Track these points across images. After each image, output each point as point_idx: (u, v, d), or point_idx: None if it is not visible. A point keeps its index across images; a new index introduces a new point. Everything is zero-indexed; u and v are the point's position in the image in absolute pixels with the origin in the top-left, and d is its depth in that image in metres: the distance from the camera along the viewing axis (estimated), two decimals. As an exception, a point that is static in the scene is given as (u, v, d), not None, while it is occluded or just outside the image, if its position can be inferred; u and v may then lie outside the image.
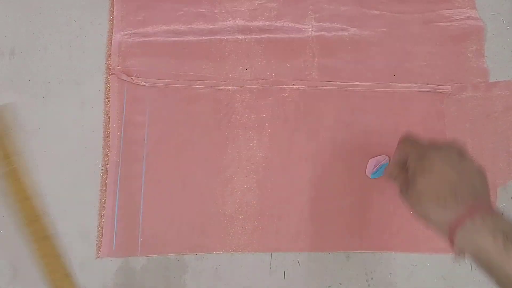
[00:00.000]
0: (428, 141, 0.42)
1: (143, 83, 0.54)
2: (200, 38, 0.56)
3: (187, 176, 0.53)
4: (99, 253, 0.52)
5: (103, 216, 0.52)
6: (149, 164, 0.53)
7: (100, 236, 0.52)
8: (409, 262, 0.53)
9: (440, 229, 0.37)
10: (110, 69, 0.55)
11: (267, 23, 0.57)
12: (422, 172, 0.38)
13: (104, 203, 0.52)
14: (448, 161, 0.38)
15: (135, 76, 0.54)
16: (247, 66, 0.56)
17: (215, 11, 0.57)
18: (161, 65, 0.55)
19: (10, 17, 0.56)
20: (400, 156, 0.43)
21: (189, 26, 0.56)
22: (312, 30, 0.57)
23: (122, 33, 0.56)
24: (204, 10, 0.57)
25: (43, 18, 0.56)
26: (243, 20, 0.57)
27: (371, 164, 0.54)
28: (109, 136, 0.53)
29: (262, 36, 0.56)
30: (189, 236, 0.52)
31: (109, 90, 0.54)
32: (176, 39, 0.56)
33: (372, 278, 0.53)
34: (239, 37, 0.56)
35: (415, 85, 0.56)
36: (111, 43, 0.56)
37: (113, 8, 0.56)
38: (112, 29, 0.56)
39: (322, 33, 0.57)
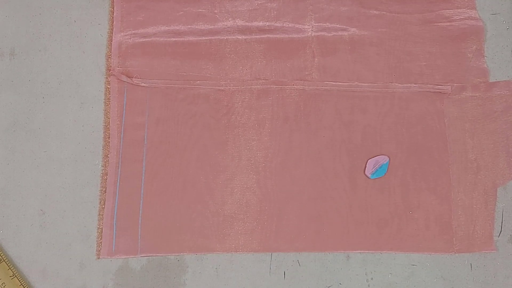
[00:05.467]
0: None
1: (143, 84, 0.54)
2: (200, 38, 0.56)
3: (187, 177, 0.53)
4: (99, 254, 0.51)
5: (103, 217, 0.52)
6: (148, 164, 0.53)
7: (100, 237, 0.52)
8: (409, 262, 0.53)
9: None
10: (110, 70, 0.55)
11: (267, 23, 0.57)
12: None
13: (104, 203, 0.52)
14: None
15: (135, 77, 0.54)
16: (247, 66, 0.56)
17: (215, 11, 0.57)
18: (161, 65, 0.55)
19: (10, 18, 0.56)
20: None
21: (189, 26, 0.56)
22: (312, 30, 0.57)
23: (122, 33, 0.56)
24: (204, 10, 0.57)
25: (43, 18, 0.56)
26: (243, 20, 0.57)
27: (371, 164, 0.54)
28: (109, 137, 0.53)
29: (262, 36, 0.57)
30: (189, 236, 0.52)
31: (109, 91, 0.54)
32: (176, 39, 0.56)
33: (372, 278, 0.53)
34: (239, 37, 0.56)
35: (415, 85, 0.56)
36: (111, 43, 0.56)
37: (113, 9, 0.56)
38: (112, 29, 0.56)
39: (322, 33, 0.57)
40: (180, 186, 0.53)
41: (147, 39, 0.56)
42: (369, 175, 0.54)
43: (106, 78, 0.55)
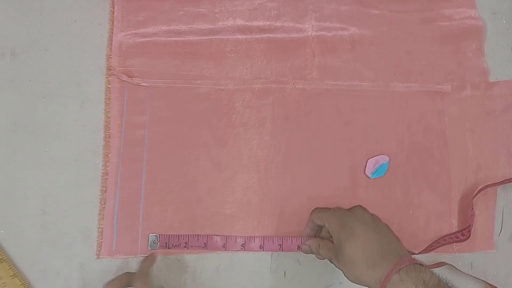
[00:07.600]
0: (338, 208, 0.48)
1: (143, 84, 0.54)
2: (201, 38, 0.56)
3: (187, 176, 0.53)
4: (99, 254, 0.51)
5: (103, 217, 0.52)
6: (149, 164, 0.53)
7: (101, 236, 0.52)
8: (410, 262, 0.53)
9: (372, 287, 0.41)
10: (110, 69, 0.55)
11: (267, 22, 0.57)
12: (348, 239, 0.42)
13: (105, 203, 0.52)
14: (368, 225, 0.44)
15: (135, 77, 0.54)
16: (247, 65, 0.56)
17: (215, 11, 0.57)
18: (162, 65, 0.55)
19: (11, 18, 0.56)
20: (313, 229, 0.50)
21: (189, 26, 0.56)
22: (312, 30, 0.57)
23: (122, 33, 0.56)
24: (204, 10, 0.57)
25: (43, 18, 0.56)
26: (243, 19, 0.57)
27: (371, 163, 0.54)
28: (109, 137, 0.53)
29: (262, 35, 0.57)
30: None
31: (110, 90, 0.54)
32: (177, 39, 0.56)
33: (372, 278, 0.53)
34: (239, 36, 0.56)
35: (415, 84, 0.56)
36: (111, 43, 0.55)
37: (114, 8, 0.56)
38: (112, 29, 0.56)
39: (322, 32, 0.57)
40: (180, 186, 0.53)
41: (147, 39, 0.56)
42: (369, 175, 0.54)
43: (107, 78, 0.55)
